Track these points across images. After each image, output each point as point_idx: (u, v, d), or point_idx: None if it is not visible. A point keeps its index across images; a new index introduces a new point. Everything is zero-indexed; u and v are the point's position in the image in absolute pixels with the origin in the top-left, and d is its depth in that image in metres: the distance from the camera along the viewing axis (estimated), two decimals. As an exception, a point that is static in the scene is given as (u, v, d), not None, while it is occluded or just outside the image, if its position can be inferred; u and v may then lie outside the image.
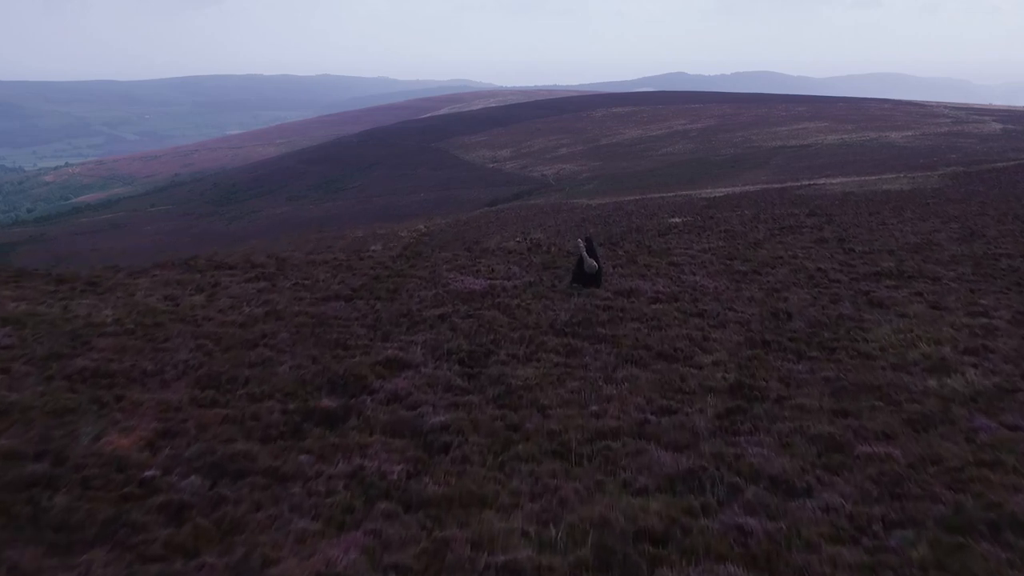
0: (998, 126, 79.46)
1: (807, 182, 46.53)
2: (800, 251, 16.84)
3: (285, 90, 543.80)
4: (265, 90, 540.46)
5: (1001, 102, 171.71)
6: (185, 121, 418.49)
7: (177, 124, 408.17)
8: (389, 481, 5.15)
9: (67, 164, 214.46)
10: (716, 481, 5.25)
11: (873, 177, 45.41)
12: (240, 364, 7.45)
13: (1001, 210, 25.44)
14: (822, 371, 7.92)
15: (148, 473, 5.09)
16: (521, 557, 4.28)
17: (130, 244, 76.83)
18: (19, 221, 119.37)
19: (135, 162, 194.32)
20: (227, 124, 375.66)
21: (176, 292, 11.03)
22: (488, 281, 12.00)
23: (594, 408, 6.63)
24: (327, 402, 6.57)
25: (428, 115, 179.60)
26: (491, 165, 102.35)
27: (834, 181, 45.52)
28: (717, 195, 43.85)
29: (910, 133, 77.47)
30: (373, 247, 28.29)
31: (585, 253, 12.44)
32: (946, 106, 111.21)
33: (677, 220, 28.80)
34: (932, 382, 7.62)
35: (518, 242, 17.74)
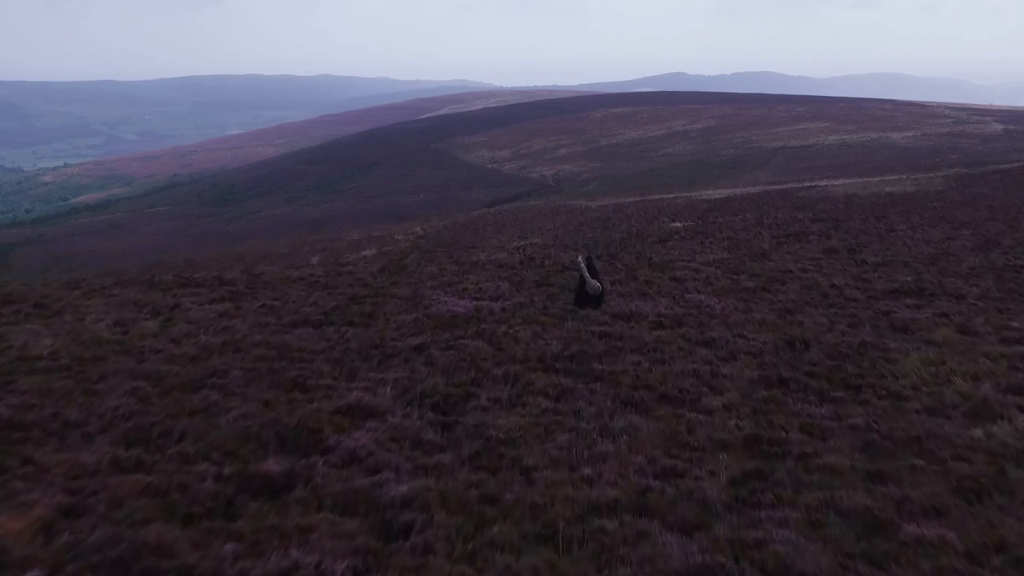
0: (999, 127, 79.16)
1: (809, 184, 45.88)
2: (810, 263, 15.85)
3: (285, 90, 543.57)
4: (265, 90, 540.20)
5: (1001, 102, 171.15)
6: (185, 121, 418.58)
7: (177, 124, 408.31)
8: (329, 586, 4.15)
9: (66, 164, 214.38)
10: (737, 584, 4.26)
11: (875, 178, 44.81)
12: (179, 412, 6.43)
13: (1011, 215, 24.57)
14: (849, 417, 6.90)
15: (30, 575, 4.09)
16: None
17: (128, 245, 76.25)
18: (17, 222, 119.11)
19: (134, 162, 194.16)
20: (227, 124, 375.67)
21: (129, 316, 10.00)
22: (474, 302, 10.97)
23: (587, 471, 5.61)
24: (272, 464, 5.55)
25: (428, 115, 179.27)
26: (490, 166, 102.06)
27: (836, 183, 44.87)
28: (718, 197, 43.10)
29: (911, 134, 77.08)
30: (366, 251, 27.40)
31: (587, 273, 11.49)
32: (947, 106, 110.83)
33: (678, 225, 27.90)
34: (977, 431, 6.60)
35: (510, 254, 16.71)
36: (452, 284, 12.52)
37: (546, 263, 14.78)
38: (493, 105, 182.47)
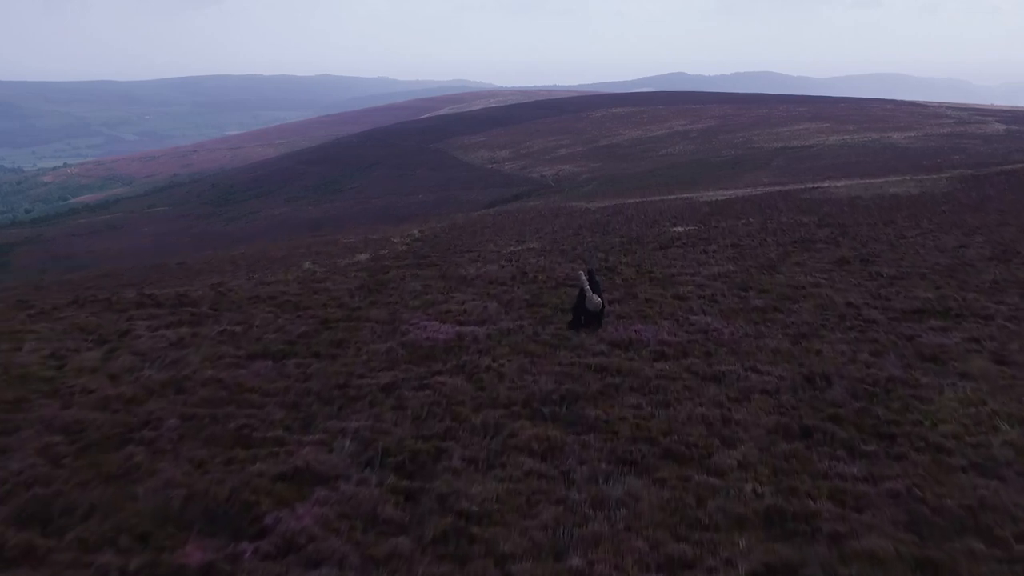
0: (1001, 127, 78.61)
1: (811, 185, 45.15)
2: (821, 276, 14.82)
3: (285, 90, 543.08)
4: (265, 90, 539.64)
5: (1001, 102, 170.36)
6: (185, 121, 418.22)
7: (177, 124, 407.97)
8: None
9: (66, 164, 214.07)
10: None
11: (878, 180, 44.08)
12: (93, 478, 5.38)
13: (1023, 220, 23.73)
14: (886, 479, 5.86)
15: None
16: None
17: (127, 245, 75.72)
18: (16, 222, 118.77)
19: (134, 162, 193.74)
20: (227, 124, 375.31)
21: (71, 346, 8.92)
22: (457, 328, 9.89)
23: (576, 561, 4.57)
24: (191, 553, 4.51)
25: (428, 115, 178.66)
26: (490, 166, 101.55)
27: (839, 184, 44.12)
28: (719, 199, 42.30)
29: (912, 134, 76.46)
30: (360, 255, 26.47)
31: (587, 287, 10.48)
32: (948, 106, 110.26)
33: (679, 230, 26.94)
34: (1037, 498, 5.57)
35: (501, 267, 15.66)
36: (435, 304, 11.49)
37: (539, 277, 13.72)
38: (493, 105, 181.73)
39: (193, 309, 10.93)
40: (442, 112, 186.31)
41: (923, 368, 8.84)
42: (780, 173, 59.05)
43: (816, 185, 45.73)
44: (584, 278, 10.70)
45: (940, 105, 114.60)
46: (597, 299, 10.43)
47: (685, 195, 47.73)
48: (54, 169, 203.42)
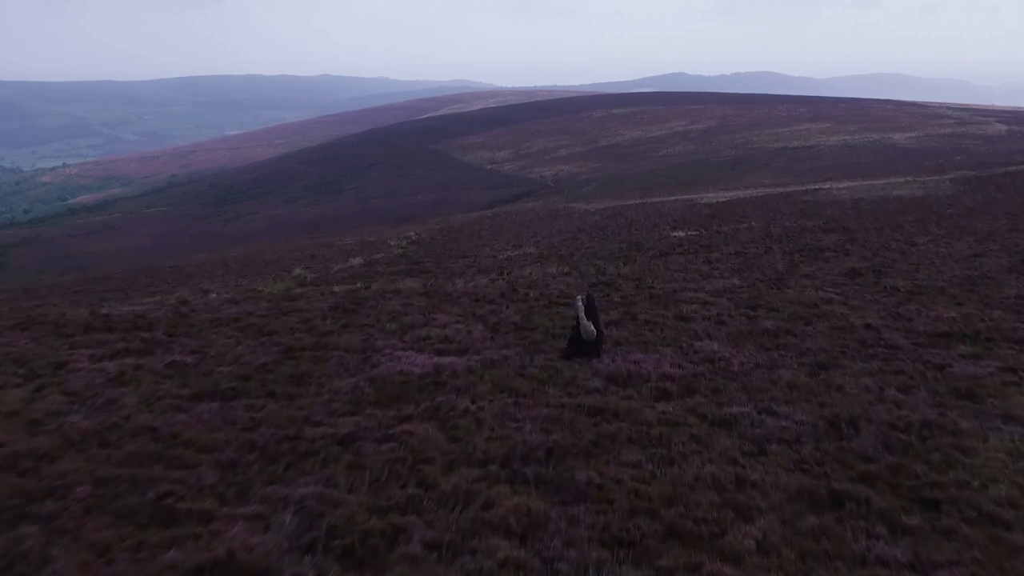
0: (1003, 127, 78.30)
1: (813, 186, 44.58)
2: (833, 292, 13.81)
3: (285, 90, 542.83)
4: (265, 90, 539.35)
5: (1001, 102, 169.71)
6: (185, 121, 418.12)
7: (177, 124, 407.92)
8: None
9: (65, 165, 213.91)
10: None
11: (881, 181, 43.48)
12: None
13: (1034, 224, 22.86)
14: (937, 567, 4.84)
15: None
16: None
17: (125, 246, 75.31)
18: (15, 222, 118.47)
19: (133, 163, 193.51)
20: (227, 124, 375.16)
21: (-4, 382, 7.90)
22: (434, 359, 8.81)
23: None
24: None
25: (427, 115, 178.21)
26: (490, 166, 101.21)
27: (840, 185, 43.51)
28: (720, 200, 41.64)
29: (914, 134, 76.06)
30: (355, 259, 25.54)
31: (583, 315, 9.43)
32: (949, 107, 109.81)
33: (680, 234, 26.11)
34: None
35: (492, 280, 14.61)
36: (415, 328, 10.44)
37: (530, 294, 12.68)
38: (493, 105, 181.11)
39: (146, 334, 9.88)
40: (442, 112, 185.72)
41: (959, 407, 7.81)
42: (781, 174, 58.66)
43: (818, 186, 45.18)
44: (580, 304, 9.69)
45: (941, 105, 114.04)
46: (591, 327, 9.41)
47: (685, 196, 47.06)
48: (53, 169, 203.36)
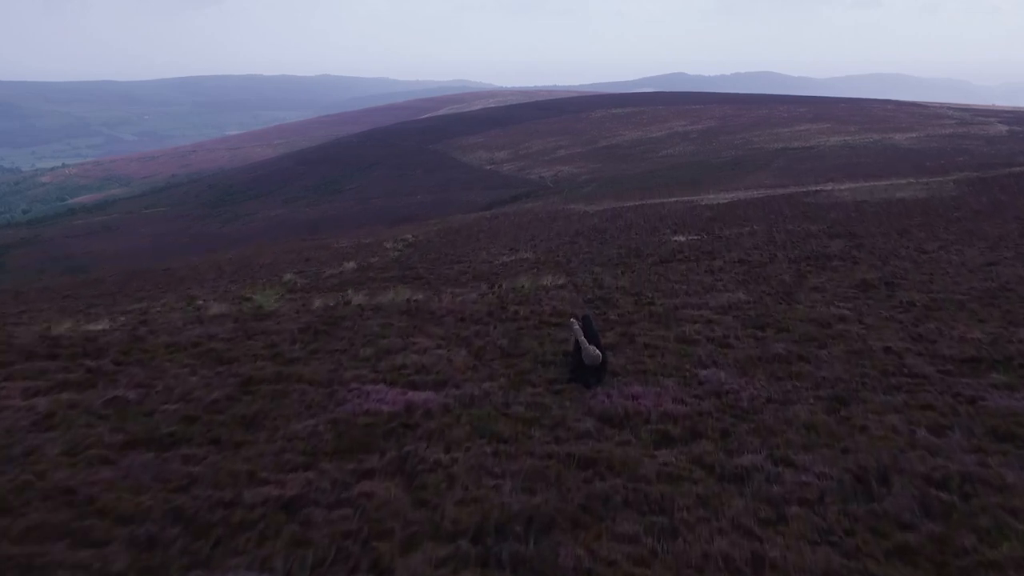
0: (1004, 128, 77.88)
1: (814, 188, 44.11)
2: (846, 307, 12.88)
3: (285, 90, 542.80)
4: (265, 90, 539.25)
5: (1001, 102, 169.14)
6: (185, 121, 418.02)
7: (177, 124, 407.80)
8: None
9: (64, 165, 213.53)
10: None
11: (883, 182, 42.97)
12: None
13: (1046, 229, 22.15)
14: None
15: None
16: None
17: (123, 247, 74.94)
18: (13, 223, 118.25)
19: (132, 163, 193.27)
20: (227, 124, 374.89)
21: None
22: (407, 395, 7.80)
23: None
24: None
25: (427, 116, 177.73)
26: (489, 167, 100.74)
27: (842, 187, 43.00)
28: (721, 202, 41.08)
29: (914, 135, 75.64)
30: (348, 263, 25.21)
31: (583, 338, 8.66)
32: (949, 107, 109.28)
33: (681, 239, 25.42)
34: None
35: (482, 295, 13.66)
36: (391, 353, 9.44)
37: (520, 312, 11.72)
38: (492, 105, 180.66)
39: (93, 362, 8.89)
40: (441, 112, 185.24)
41: (1000, 453, 6.85)
42: (781, 175, 58.31)
43: (819, 188, 44.69)
44: (578, 327, 8.80)
45: (941, 106, 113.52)
46: (595, 351, 8.57)
47: (686, 198, 46.49)
48: (52, 169, 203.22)
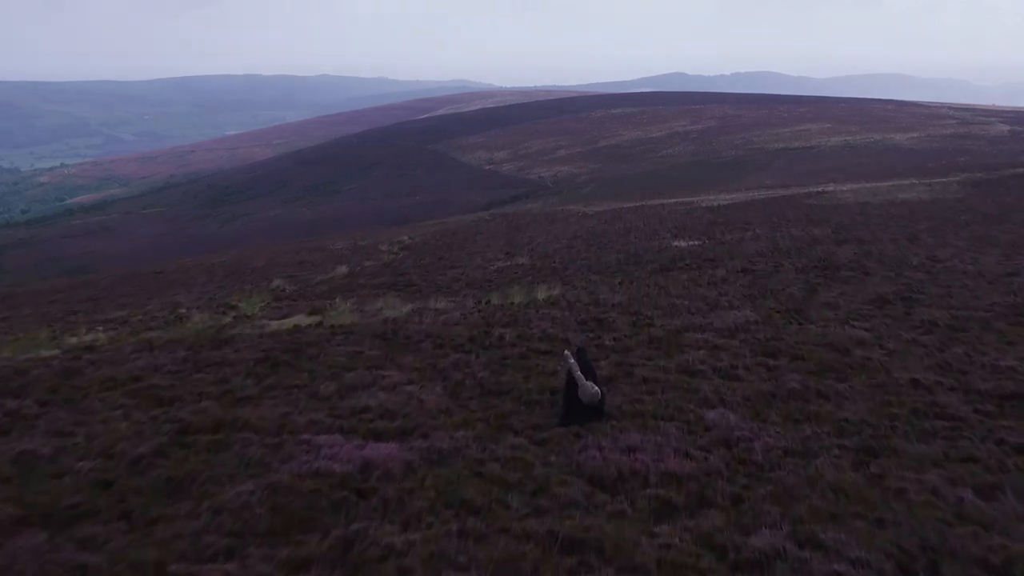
0: (1005, 128, 77.51)
1: (816, 189, 43.50)
2: (863, 327, 11.77)
3: (284, 90, 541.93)
4: (264, 90, 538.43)
5: (1001, 102, 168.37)
6: (184, 121, 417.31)
7: (176, 124, 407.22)
8: None
9: (63, 165, 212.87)
10: None
11: (885, 183, 42.27)
12: None
13: (1059, 234, 21.00)
14: None
15: None
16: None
17: (120, 247, 74.68)
18: (11, 223, 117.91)
19: (131, 163, 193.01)
20: (226, 124, 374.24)
21: None
22: (366, 449, 6.61)
23: None
24: None
25: (426, 116, 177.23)
26: (488, 167, 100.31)
27: (844, 188, 42.35)
28: (722, 203, 40.37)
29: (915, 135, 75.23)
30: (341, 267, 24.69)
31: (579, 373, 7.71)
32: (950, 107, 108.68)
33: (682, 244, 24.66)
34: None
35: (464, 316, 12.52)
36: (355, 390, 8.32)
37: (506, 337, 10.58)
38: (492, 105, 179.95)
39: (14, 402, 7.77)
40: (441, 112, 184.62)
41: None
42: (782, 175, 57.91)
43: (821, 189, 44.05)
44: (572, 360, 7.89)
45: (942, 106, 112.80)
46: (593, 388, 7.63)
47: (686, 199, 45.85)
48: (51, 169, 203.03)
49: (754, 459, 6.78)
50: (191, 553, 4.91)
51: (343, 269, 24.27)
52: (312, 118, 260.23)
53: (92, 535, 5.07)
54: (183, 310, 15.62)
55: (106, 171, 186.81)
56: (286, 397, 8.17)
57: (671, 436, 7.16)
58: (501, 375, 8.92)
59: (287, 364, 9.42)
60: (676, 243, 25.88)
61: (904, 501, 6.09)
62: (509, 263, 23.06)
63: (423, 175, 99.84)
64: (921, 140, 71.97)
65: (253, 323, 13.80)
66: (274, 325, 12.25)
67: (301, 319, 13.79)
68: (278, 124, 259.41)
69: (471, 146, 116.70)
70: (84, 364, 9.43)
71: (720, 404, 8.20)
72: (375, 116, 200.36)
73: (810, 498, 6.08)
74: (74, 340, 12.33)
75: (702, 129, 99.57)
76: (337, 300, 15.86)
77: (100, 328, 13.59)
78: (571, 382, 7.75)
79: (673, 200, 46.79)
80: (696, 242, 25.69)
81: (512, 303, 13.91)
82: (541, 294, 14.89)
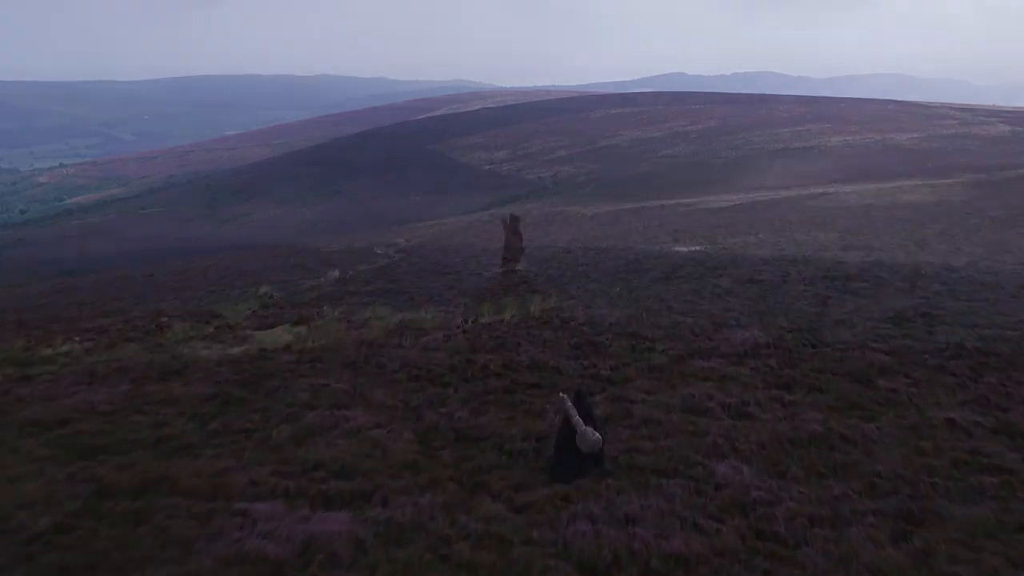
0: (1006, 128, 77.09)
1: (818, 190, 42.89)
2: (883, 350, 10.73)
3: (283, 90, 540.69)
4: (264, 90, 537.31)
5: (1002, 103, 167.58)
6: (183, 121, 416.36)
7: (175, 124, 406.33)
8: None
9: (62, 165, 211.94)
10: None
11: (888, 185, 41.54)
12: None
13: (1076, 242, 20.51)
14: None
15: None
16: None
17: (117, 248, 74.08)
18: (9, 223, 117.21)
19: (130, 163, 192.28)
20: (225, 125, 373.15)
21: None
22: (309, 522, 5.37)
23: None
24: None
25: (426, 116, 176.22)
26: (488, 167, 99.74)
27: (846, 189, 41.71)
28: (723, 205, 39.59)
29: (916, 135, 74.75)
30: (333, 272, 24.26)
31: (578, 418, 6.79)
32: (950, 107, 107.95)
33: (683, 249, 23.97)
34: None
35: (447, 338, 11.41)
36: (312, 437, 7.23)
37: (491, 366, 9.50)
38: (491, 106, 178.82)
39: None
40: (440, 113, 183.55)
41: None
42: (783, 176, 57.52)
43: (823, 190, 43.34)
44: (569, 404, 6.94)
45: (943, 106, 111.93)
46: (593, 435, 6.68)
47: (686, 200, 45.11)
48: (50, 169, 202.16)
49: (775, 530, 5.70)
50: None
51: (335, 274, 23.89)
52: (311, 118, 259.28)
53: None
54: (165, 319, 15.13)
55: (105, 171, 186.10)
56: (231, 445, 7.07)
57: (676, 499, 6.08)
58: (481, 414, 7.84)
59: (240, 402, 8.31)
60: (677, 248, 25.12)
61: (962, 597, 5.02)
62: (506, 268, 22.67)
63: (422, 175, 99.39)
64: (922, 140, 71.46)
65: (235, 333, 13.15)
66: (237, 351, 11.14)
67: (285, 329, 13.14)
68: (277, 124, 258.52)
69: (470, 146, 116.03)
70: (11, 401, 8.36)
71: (732, 453, 7.13)
72: (374, 116, 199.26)
73: (848, 596, 5.01)
74: (48, 351, 11.82)
75: (702, 129, 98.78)
76: (325, 308, 15.47)
77: (77, 339, 13.12)
78: (569, 428, 6.74)
79: (673, 201, 45.94)
80: (698, 247, 24.95)
81: (503, 319, 12.87)
82: (535, 306, 13.94)
